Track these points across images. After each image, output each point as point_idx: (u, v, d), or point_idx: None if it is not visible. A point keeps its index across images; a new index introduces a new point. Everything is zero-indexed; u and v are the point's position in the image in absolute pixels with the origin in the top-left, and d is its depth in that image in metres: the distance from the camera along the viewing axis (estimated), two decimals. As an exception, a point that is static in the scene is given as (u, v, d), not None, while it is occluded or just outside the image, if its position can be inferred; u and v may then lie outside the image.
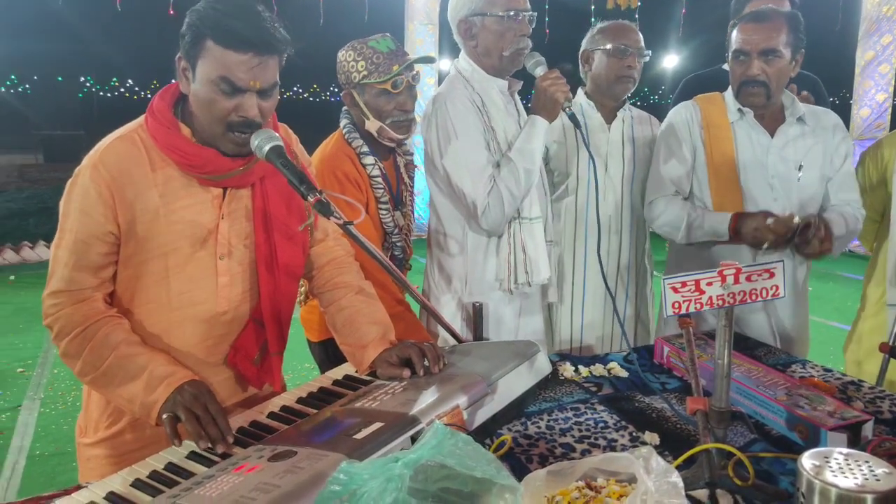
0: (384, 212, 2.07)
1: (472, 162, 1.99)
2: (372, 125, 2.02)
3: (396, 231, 2.12)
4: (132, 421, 1.49)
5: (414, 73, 2.03)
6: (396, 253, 2.14)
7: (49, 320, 1.42)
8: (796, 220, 1.87)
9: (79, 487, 1.19)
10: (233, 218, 1.48)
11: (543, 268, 2.13)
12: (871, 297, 2.35)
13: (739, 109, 2.14)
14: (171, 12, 7.12)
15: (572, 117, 1.99)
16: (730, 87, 2.18)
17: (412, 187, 2.26)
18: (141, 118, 1.45)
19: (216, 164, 1.42)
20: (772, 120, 2.15)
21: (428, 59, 2.20)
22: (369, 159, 2.04)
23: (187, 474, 1.20)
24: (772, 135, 2.13)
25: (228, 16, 1.31)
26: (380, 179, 2.05)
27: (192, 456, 1.27)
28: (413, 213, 2.29)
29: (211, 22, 1.31)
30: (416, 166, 2.29)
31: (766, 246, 1.92)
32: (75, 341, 1.39)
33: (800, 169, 2.10)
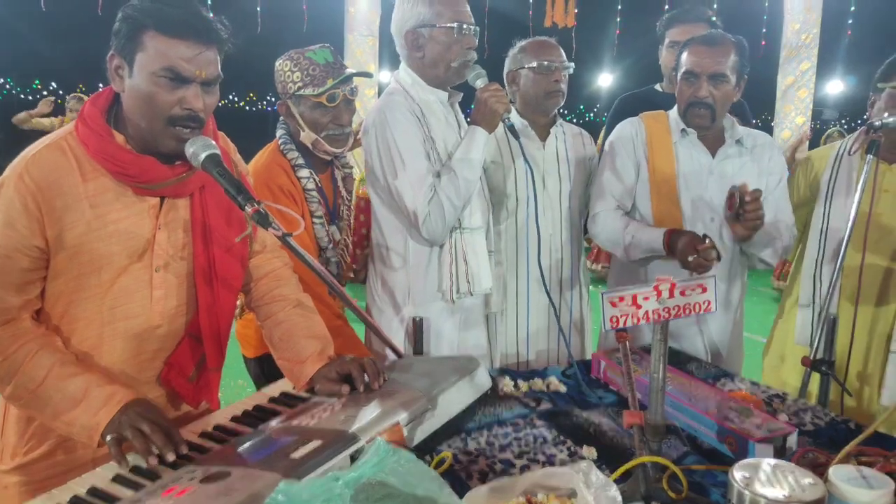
0: (318, 226, 2.04)
1: (413, 171, 1.98)
2: (307, 137, 2.00)
3: (331, 246, 2.09)
4: (52, 447, 1.42)
5: (351, 86, 2.02)
6: (331, 269, 2.11)
7: None
8: (713, 254, 1.94)
9: (-8, 514, 1.12)
10: (170, 228, 1.43)
11: (486, 277, 2.14)
12: (787, 305, 2.47)
13: (683, 129, 2.21)
14: (100, 12, 6.88)
15: (511, 128, 2.03)
16: (675, 107, 2.25)
17: (350, 201, 2.24)
18: (70, 125, 1.38)
19: (153, 173, 1.37)
20: (713, 140, 2.22)
21: (365, 74, 2.19)
22: (304, 172, 2.01)
23: (112, 499, 1.15)
24: (712, 155, 2.21)
25: (168, 5, 1.28)
26: (315, 193, 2.02)
27: (118, 479, 1.22)
28: (350, 226, 2.27)
29: (150, 11, 1.28)
30: (354, 179, 2.28)
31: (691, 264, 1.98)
32: (4, 365, 1.32)
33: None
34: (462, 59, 2.06)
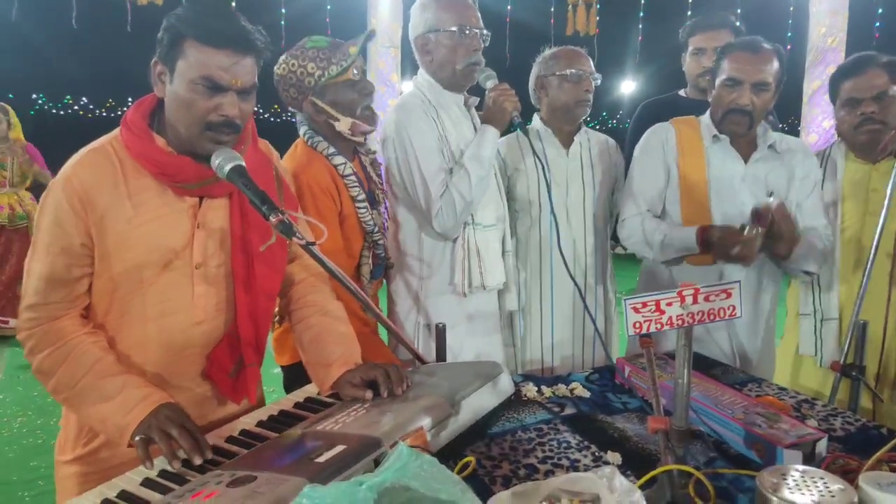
0: (363, 210, 2.00)
1: (427, 167, 2.07)
2: (343, 124, 1.95)
3: (377, 230, 2.06)
4: (107, 439, 1.45)
5: (360, 59, 2.00)
6: (379, 252, 2.08)
7: (23, 335, 1.41)
8: (759, 240, 1.91)
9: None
10: (209, 228, 1.47)
11: (498, 273, 2.19)
12: (792, 311, 2.43)
13: (715, 135, 2.17)
14: (129, 29, 7.01)
15: (520, 125, 2.13)
16: (707, 112, 2.22)
17: (381, 185, 2.20)
18: (116, 131, 1.45)
19: (190, 172, 1.41)
20: (745, 146, 2.18)
21: (370, 34, 2.08)
22: (339, 159, 1.97)
23: (141, 502, 1.17)
24: (745, 161, 2.17)
25: (208, 15, 1.34)
26: (353, 178, 1.98)
27: (147, 483, 1.24)
28: (386, 212, 2.22)
29: (191, 21, 1.33)
30: (381, 163, 2.24)
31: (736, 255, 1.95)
32: (50, 359, 1.38)
33: (770, 195, 2.13)
34: (466, 62, 2.13)
